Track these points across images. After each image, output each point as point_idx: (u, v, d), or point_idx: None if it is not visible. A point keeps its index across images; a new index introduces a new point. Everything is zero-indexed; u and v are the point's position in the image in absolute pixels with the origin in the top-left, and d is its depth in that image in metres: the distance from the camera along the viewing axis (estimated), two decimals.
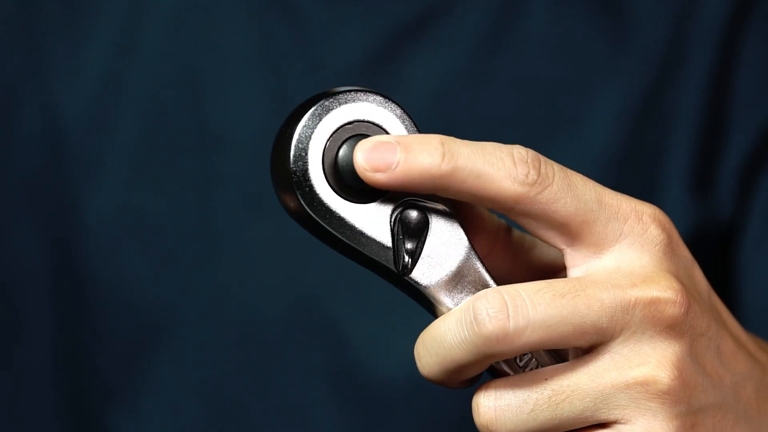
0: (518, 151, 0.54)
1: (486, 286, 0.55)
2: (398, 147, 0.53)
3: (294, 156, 0.53)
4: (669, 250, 0.55)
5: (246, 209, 0.91)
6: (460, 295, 0.55)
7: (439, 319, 0.54)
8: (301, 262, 0.91)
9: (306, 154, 0.54)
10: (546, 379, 0.54)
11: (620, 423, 0.53)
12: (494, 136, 0.60)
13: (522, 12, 0.91)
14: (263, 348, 0.91)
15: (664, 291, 0.53)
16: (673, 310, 0.53)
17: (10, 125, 0.92)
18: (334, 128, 0.54)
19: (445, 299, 0.55)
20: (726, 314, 0.59)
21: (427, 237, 0.55)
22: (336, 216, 0.54)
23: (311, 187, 0.53)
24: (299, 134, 0.53)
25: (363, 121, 0.54)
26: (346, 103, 0.54)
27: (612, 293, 0.53)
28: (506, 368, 0.55)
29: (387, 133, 0.54)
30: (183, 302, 0.91)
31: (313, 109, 0.54)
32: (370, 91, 0.54)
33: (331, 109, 0.54)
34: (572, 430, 0.54)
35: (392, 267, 0.54)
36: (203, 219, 0.91)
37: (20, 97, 0.92)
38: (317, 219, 0.53)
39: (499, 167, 0.53)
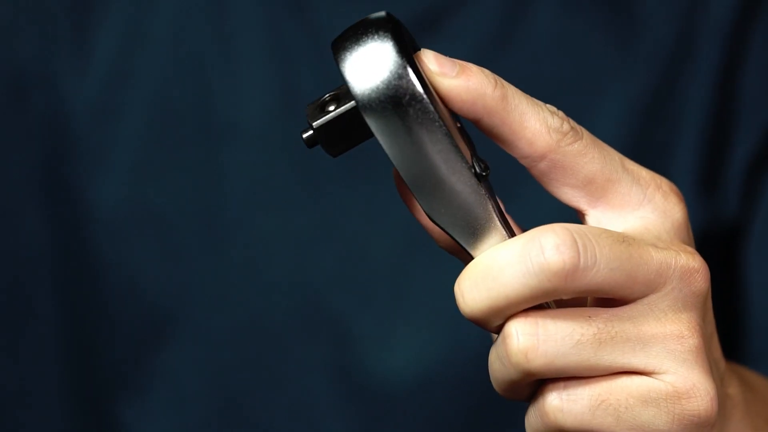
0: (551, 106, 0.55)
1: (509, 231, 0.54)
2: (457, 63, 0.54)
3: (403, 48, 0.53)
4: (685, 223, 0.56)
5: (254, 201, 0.91)
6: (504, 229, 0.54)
7: (491, 250, 0.52)
8: (308, 255, 0.91)
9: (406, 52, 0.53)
10: (590, 317, 0.52)
11: (658, 373, 0.53)
12: None
13: (529, 11, 0.91)
14: (269, 341, 0.91)
15: (694, 260, 0.54)
16: (701, 282, 0.54)
17: (18, 114, 0.93)
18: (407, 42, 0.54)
19: (500, 224, 0.53)
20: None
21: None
22: (436, 103, 0.53)
23: (422, 78, 0.53)
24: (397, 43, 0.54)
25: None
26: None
27: (656, 249, 0.53)
28: None
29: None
30: (191, 293, 0.91)
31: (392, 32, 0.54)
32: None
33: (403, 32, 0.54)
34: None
35: (475, 168, 0.53)
36: (211, 210, 0.91)
37: (28, 86, 0.93)
38: (431, 101, 0.52)
39: (538, 111, 0.54)
